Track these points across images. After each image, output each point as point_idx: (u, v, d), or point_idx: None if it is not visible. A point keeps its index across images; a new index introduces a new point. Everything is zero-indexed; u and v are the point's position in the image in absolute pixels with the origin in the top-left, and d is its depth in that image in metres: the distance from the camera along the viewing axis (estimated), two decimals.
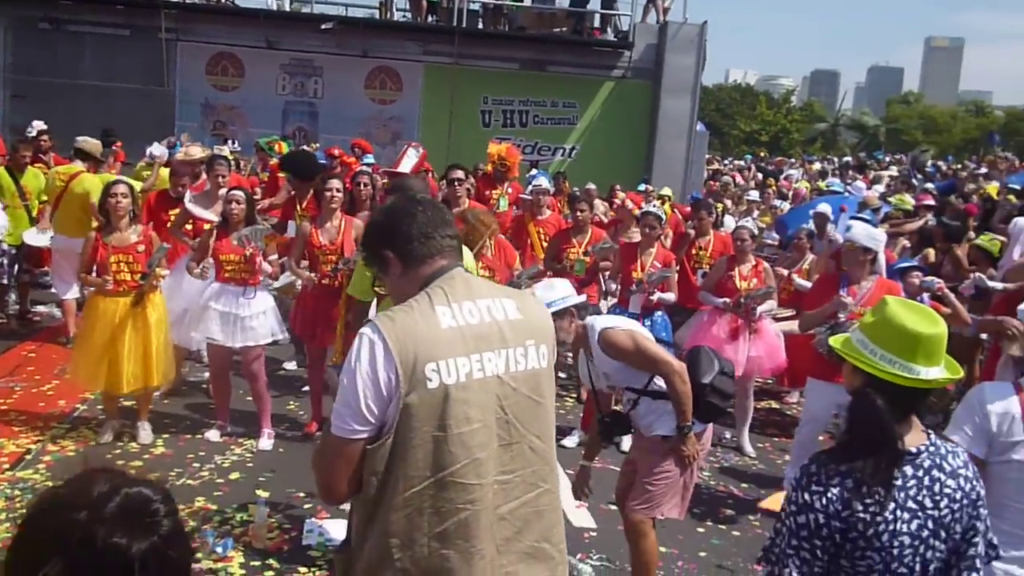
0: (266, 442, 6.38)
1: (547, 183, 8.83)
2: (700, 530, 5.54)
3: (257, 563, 4.68)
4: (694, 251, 8.07)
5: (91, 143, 8.90)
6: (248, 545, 4.85)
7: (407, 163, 8.24)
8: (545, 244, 8.15)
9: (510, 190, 9.90)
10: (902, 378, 2.19)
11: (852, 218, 8.99)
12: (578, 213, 7.68)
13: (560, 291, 4.13)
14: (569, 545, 4.98)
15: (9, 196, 8.72)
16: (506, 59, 16.70)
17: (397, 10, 17.59)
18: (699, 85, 16.66)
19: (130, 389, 6.16)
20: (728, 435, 7.16)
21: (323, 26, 15.98)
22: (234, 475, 5.83)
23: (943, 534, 2.23)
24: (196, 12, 16.34)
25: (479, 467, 2.16)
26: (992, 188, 10.84)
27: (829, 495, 2.18)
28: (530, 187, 8.91)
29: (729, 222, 10.77)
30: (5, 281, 8.87)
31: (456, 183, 7.27)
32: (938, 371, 2.21)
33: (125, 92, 15.69)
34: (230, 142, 13.86)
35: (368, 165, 11.97)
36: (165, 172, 9.10)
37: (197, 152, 8.63)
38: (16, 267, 8.95)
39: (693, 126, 16.46)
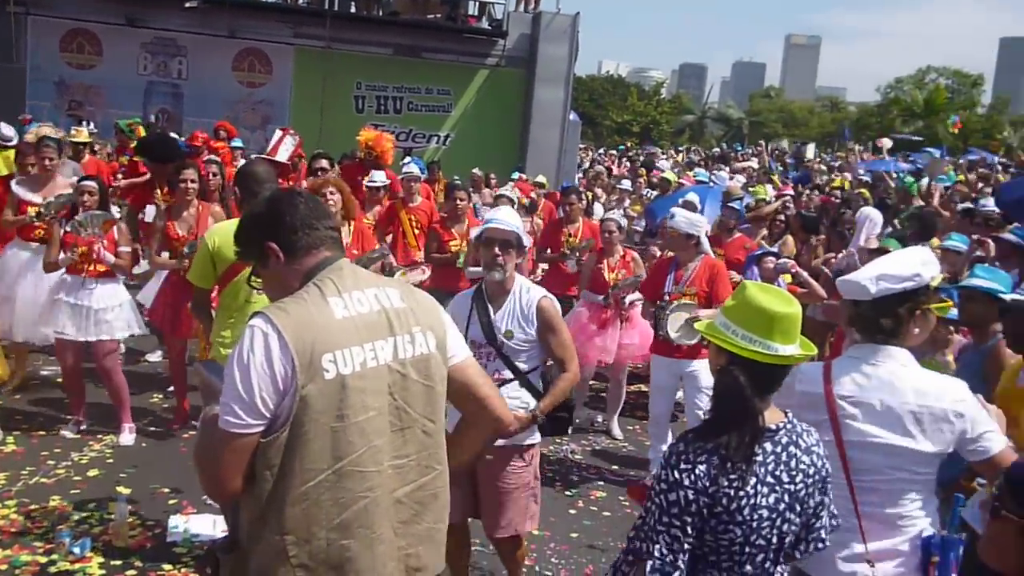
0: (127, 437, 6.12)
1: (418, 170, 8.81)
2: (572, 511, 5.65)
3: (118, 562, 4.50)
4: (563, 237, 8.19)
5: None
6: (108, 544, 4.65)
7: (283, 151, 8.04)
8: (417, 231, 8.13)
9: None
10: (761, 354, 2.30)
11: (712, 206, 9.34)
12: (457, 202, 7.70)
13: (521, 226, 4.00)
14: None
15: None
16: (380, 44, 16.49)
17: None
18: (572, 75, 16.91)
19: None
20: (600, 419, 7.33)
21: (187, 4, 15.35)
22: (93, 472, 5.57)
23: (798, 508, 2.36)
24: None
25: (376, 454, 2.18)
26: (844, 181, 11.46)
27: (697, 472, 2.26)
28: (401, 174, 8.90)
29: (599, 210, 10.99)
30: None
31: (319, 173, 7.22)
32: (793, 348, 2.33)
33: None
34: (85, 123, 13.19)
35: (236, 149, 11.66)
36: (11, 155, 8.57)
37: (48, 133, 8.16)
38: None
39: (566, 115, 16.69)
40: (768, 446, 2.33)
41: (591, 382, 7.70)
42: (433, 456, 2.34)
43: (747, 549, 2.30)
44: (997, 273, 4.19)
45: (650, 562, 2.27)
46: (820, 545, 2.48)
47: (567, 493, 5.95)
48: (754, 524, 2.28)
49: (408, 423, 2.27)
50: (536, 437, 3.99)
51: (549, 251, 8.12)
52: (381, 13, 16.96)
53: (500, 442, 3.78)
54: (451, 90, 16.89)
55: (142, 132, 11.59)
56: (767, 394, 2.37)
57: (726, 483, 2.25)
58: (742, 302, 2.38)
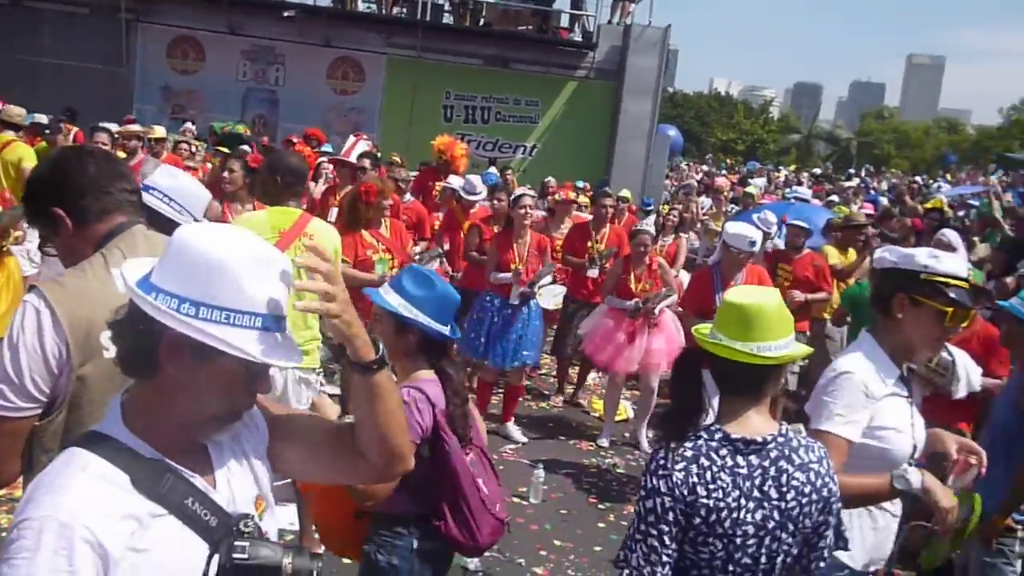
0: None
1: (480, 183, 8.87)
2: (600, 525, 5.52)
3: None
4: (590, 242, 8.07)
5: (15, 111, 8.86)
6: None
7: (356, 153, 8.33)
8: None
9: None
10: (708, 342, 2.25)
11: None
12: (495, 203, 7.85)
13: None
14: None
15: None
16: (470, 55, 16.63)
17: (362, 1, 17.49)
18: (660, 88, 16.67)
19: None
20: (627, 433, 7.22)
21: (285, 13, 15.87)
22: None
23: (790, 527, 2.22)
24: None
25: None
26: (937, 202, 10.95)
27: (674, 479, 2.18)
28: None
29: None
30: None
31: (360, 172, 7.82)
32: (751, 345, 2.19)
33: (83, 71, 15.49)
34: (191, 124, 13.78)
35: (324, 155, 11.96)
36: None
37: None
38: None
39: (653, 128, 16.48)
40: (754, 459, 2.21)
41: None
42: None
43: (730, 567, 2.19)
44: None
45: (626, 571, 2.20)
46: (820, 564, 2.32)
47: (600, 507, 5.82)
48: (738, 540, 2.17)
49: None
50: None
51: (574, 256, 8.00)
52: (474, 24, 17.13)
53: None
54: (539, 101, 16.91)
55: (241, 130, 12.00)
56: (732, 392, 2.28)
57: (704, 492, 2.17)
58: (723, 300, 2.34)
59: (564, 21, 17.71)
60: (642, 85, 16.18)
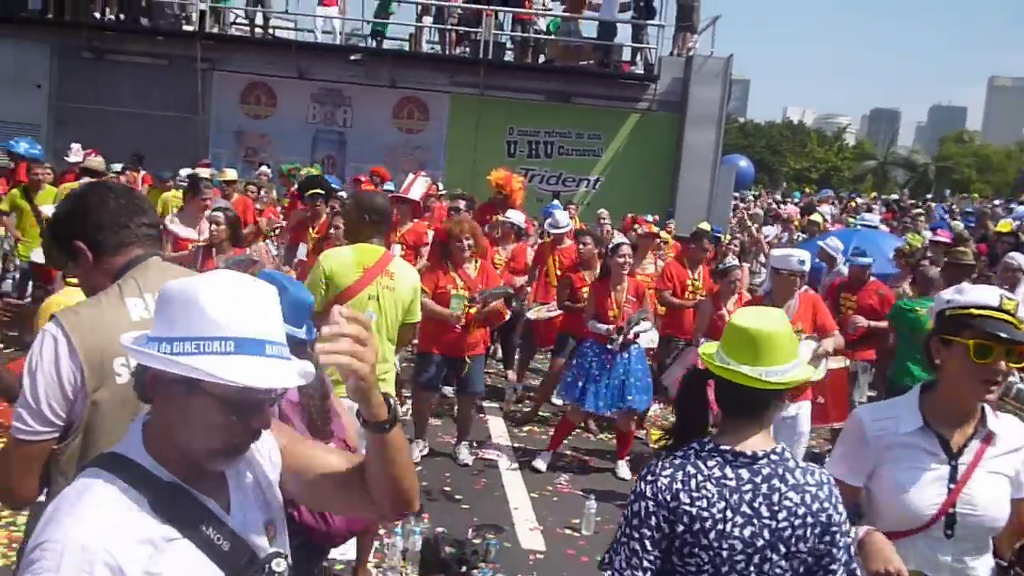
0: None
1: (566, 218, 8.97)
2: None
3: None
4: (688, 280, 8.04)
5: (96, 161, 9.27)
6: None
7: (416, 190, 8.51)
8: (558, 272, 8.38)
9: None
10: (714, 364, 2.26)
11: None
12: (580, 247, 7.84)
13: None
14: (513, 565, 5.00)
15: (24, 214, 9.03)
16: (532, 90, 16.83)
17: (426, 42, 17.89)
18: (724, 117, 16.58)
19: None
20: None
21: (352, 57, 16.32)
22: None
23: (782, 548, 2.18)
24: (231, 43, 16.81)
25: None
26: (1006, 225, 10.57)
27: (659, 484, 2.20)
28: (547, 221, 9.38)
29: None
30: (19, 298, 9.13)
31: (454, 212, 7.81)
32: (749, 369, 2.20)
33: (161, 119, 16.20)
34: (267, 166, 14.29)
35: (388, 192, 12.22)
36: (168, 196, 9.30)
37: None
38: (30, 283, 9.26)
39: (718, 158, 16.38)
40: (744, 472, 2.21)
41: None
42: None
43: None
44: None
45: (608, 573, 2.23)
46: None
47: None
48: (724, 554, 2.15)
49: None
50: None
51: (671, 295, 7.95)
52: (537, 61, 17.33)
53: None
54: (602, 134, 16.97)
55: (304, 172, 12.38)
56: (734, 412, 2.28)
57: (687, 500, 2.17)
58: (729, 322, 2.35)
59: (626, 55, 17.79)
60: (705, 115, 16.11)
